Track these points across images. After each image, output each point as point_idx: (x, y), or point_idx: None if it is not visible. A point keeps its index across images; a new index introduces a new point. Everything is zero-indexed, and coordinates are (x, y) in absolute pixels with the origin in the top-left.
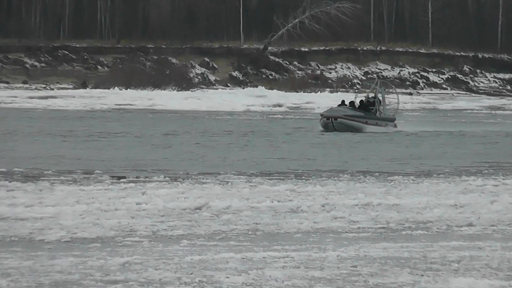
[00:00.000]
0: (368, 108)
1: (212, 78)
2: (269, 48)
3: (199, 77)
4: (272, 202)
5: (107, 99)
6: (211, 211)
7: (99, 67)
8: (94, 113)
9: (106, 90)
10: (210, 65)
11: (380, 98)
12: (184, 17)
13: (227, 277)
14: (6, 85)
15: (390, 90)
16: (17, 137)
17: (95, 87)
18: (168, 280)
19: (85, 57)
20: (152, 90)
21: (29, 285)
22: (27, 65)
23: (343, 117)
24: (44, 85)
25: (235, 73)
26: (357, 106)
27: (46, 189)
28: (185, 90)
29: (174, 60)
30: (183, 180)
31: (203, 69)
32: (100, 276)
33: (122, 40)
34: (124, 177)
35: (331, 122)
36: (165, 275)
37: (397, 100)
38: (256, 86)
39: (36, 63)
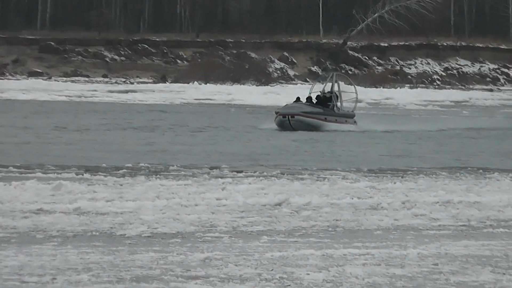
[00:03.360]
0: (326, 104)
1: (291, 72)
2: (348, 43)
3: (278, 71)
4: (352, 198)
5: (186, 94)
6: (291, 207)
7: (178, 61)
8: (176, 107)
9: (185, 85)
10: (289, 60)
11: (337, 93)
12: (263, 11)
13: (308, 274)
14: (87, 78)
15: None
16: (127, 131)
17: (175, 81)
18: (249, 276)
19: (165, 51)
20: (231, 85)
21: (110, 280)
22: (107, 59)
23: (301, 114)
24: (124, 79)
25: (314, 68)
26: (314, 102)
27: (127, 184)
28: (264, 85)
29: (253, 55)
30: (302, 175)
31: (282, 64)
32: (180, 272)
33: (201, 34)
34: (242, 171)
35: (288, 120)
36: (246, 271)
37: (355, 95)
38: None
39: (116, 57)
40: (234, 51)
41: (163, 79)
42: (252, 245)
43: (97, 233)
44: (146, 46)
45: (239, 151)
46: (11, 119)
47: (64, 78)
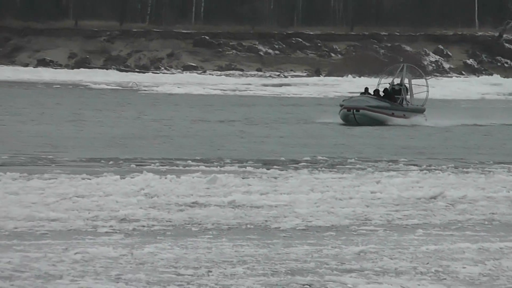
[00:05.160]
0: (394, 97)
1: (446, 65)
2: (504, 35)
3: (433, 64)
4: (509, 192)
5: (340, 87)
6: (446, 201)
7: (332, 54)
8: (330, 101)
9: (339, 78)
10: (444, 53)
11: (407, 85)
12: (417, 3)
13: (464, 267)
14: (241, 72)
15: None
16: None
17: (328, 74)
18: (404, 269)
19: (319, 44)
20: (386, 78)
21: (265, 273)
22: (261, 53)
23: (366, 108)
24: (277, 73)
25: (470, 61)
26: (381, 95)
27: (281, 177)
28: (419, 78)
29: (407, 48)
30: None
31: (437, 57)
32: (335, 265)
33: (355, 26)
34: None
35: (352, 114)
36: (401, 265)
37: (426, 89)
38: (491, 74)
39: (270, 51)
40: (388, 44)
41: (317, 73)
42: (407, 238)
43: (252, 226)
44: (300, 40)
45: (398, 144)
46: (172, 112)
47: (219, 72)
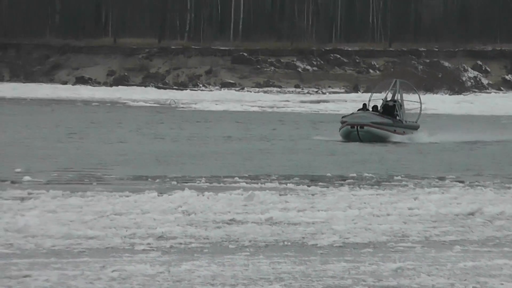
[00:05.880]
0: (393, 114)
1: (485, 81)
2: None
3: (471, 80)
4: None
5: (378, 103)
6: (484, 217)
7: (370, 70)
8: None
9: (377, 94)
10: (483, 68)
11: (399, 101)
12: (456, 18)
13: (501, 284)
14: (279, 89)
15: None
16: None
17: (367, 90)
18: (441, 286)
19: (357, 60)
20: (424, 94)
21: None
22: (299, 69)
23: (370, 125)
24: (316, 89)
25: (509, 77)
26: (380, 111)
27: (318, 194)
28: (457, 94)
29: (446, 63)
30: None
31: (476, 73)
32: (372, 282)
33: (393, 42)
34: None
35: (356, 131)
36: (438, 281)
37: (419, 104)
38: None
39: (308, 67)
40: (427, 60)
41: (355, 89)
42: (445, 255)
43: (289, 243)
44: (338, 56)
45: (435, 162)
46: (213, 129)
47: (257, 89)
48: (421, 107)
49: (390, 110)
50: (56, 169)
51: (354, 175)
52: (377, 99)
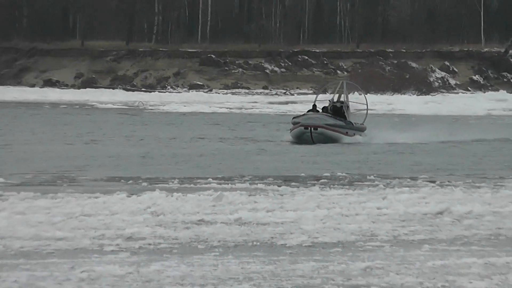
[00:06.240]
0: (344, 115)
1: (452, 82)
2: (510, 51)
3: (439, 81)
4: None
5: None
6: (452, 216)
7: (338, 71)
8: None
9: (323, 95)
10: (451, 69)
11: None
12: (424, 20)
13: (470, 282)
14: (247, 90)
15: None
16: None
17: (334, 91)
18: (410, 285)
19: (325, 62)
20: (392, 95)
21: None
22: (267, 71)
23: (324, 127)
24: (284, 90)
25: (476, 77)
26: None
27: (287, 194)
28: (425, 94)
29: (414, 64)
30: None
31: (443, 73)
32: (341, 281)
33: (361, 44)
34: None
35: (310, 132)
36: (407, 280)
37: (365, 106)
38: (498, 90)
39: (276, 68)
40: (395, 61)
41: (324, 91)
42: (414, 254)
43: (258, 243)
44: (306, 57)
45: (414, 161)
46: (182, 131)
47: (225, 90)
48: (367, 108)
49: (338, 111)
50: (29, 171)
51: (328, 174)
52: (323, 100)
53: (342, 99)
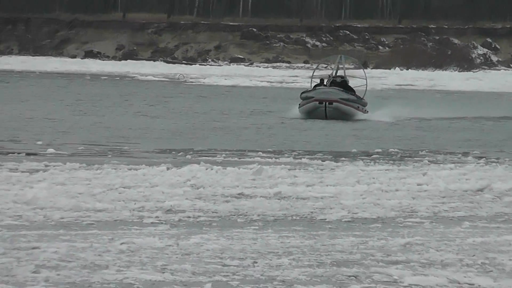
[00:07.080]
0: (351, 89)
1: (494, 58)
2: None
3: (481, 57)
4: None
5: (387, 79)
6: (493, 193)
7: (380, 47)
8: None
9: (386, 70)
10: (493, 46)
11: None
12: None
13: (510, 260)
14: (288, 64)
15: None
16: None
17: (376, 67)
18: (450, 261)
19: (366, 37)
20: (433, 71)
21: (311, 264)
22: (309, 45)
23: (339, 101)
24: (325, 65)
25: None
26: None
27: (327, 169)
28: (467, 71)
29: (456, 41)
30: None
31: (485, 50)
32: (381, 256)
33: (403, 20)
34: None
35: (324, 107)
36: (447, 257)
37: (365, 80)
38: None
39: (318, 43)
40: (437, 37)
41: (365, 65)
42: (454, 231)
43: (298, 218)
44: (348, 32)
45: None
46: (225, 104)
47: (266, 64)
48: (367, 84)
49: (340, 86)
50: (80, 142)
51: (379, 150)
52: (319, 75)
53: (343, 73)
